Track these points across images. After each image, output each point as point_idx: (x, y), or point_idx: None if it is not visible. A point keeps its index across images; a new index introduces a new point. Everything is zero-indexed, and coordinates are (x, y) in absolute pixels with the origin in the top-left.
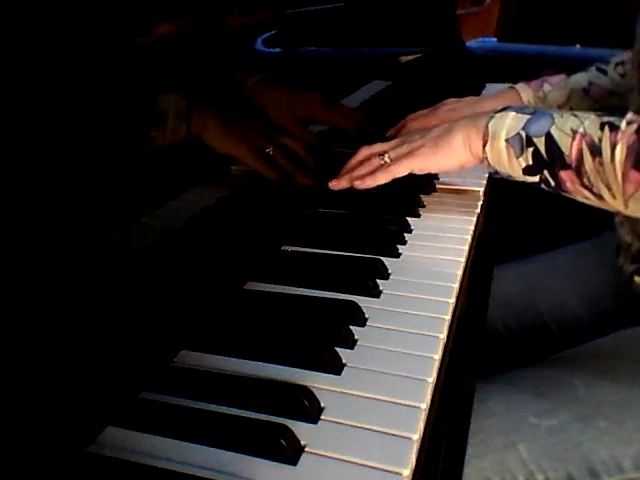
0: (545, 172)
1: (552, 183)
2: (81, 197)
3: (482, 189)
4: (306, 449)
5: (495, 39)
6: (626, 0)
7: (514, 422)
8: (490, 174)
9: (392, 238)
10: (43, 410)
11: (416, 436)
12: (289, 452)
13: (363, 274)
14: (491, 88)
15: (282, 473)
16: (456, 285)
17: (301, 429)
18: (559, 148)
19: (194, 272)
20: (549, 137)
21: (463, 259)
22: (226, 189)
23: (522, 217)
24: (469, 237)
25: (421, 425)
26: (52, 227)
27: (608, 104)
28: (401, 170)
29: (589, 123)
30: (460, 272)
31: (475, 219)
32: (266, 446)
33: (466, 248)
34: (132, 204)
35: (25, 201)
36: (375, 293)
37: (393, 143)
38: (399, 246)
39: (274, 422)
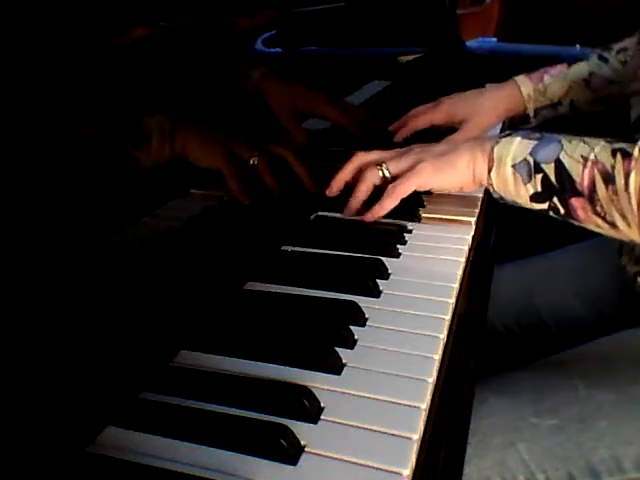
0: (554, 199)
1: (562, 211)
2: (81, 197)
3: (482, 189)
4: (306, 449)
5: (495, 39)
6: (626, 0)
7: (514, 422)
8: (495, 200)
9: (392, 238)
10: (43, 410)
11: (416, 436)
12: (289, 452)
13: (363, 274)
14: None
15: (282, 473)
16: (456, 285)
17: (301, 429)
18: (570, 175)
19: (194, 272)
20: (559, 163)
21: (463, 259)
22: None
23: (522, 217)
24: (469, 237)
25: (421, 425)
26: (52, 227)
27: (608, 93)
28: (406, 190)
29: (600, 150)
30: (460, 272)
31: (475, 219)
32: (266, 446)
33: (466, 248)
34: (132, 204)
35: (24, 201)
36: (375, 293)
37: (391, 154)
38: (399, 246)
39: (274, 422)
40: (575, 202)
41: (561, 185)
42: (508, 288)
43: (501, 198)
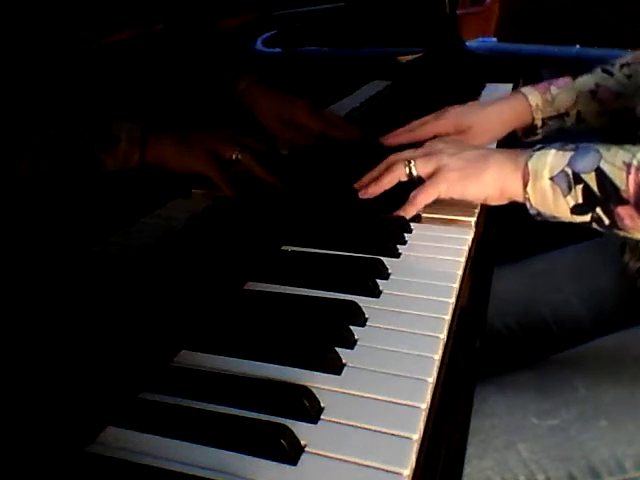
0: (598, 210)
1: (606, 221)
2: (81, 197)
3: None
4: (306, 449)
5: (495, 39)
6: (626, 0)
7: (515, 422)
8: (532, 216)
9: (392, 238)
10: (43, 410)
11: (416, 436)
12: (289, 452)
13: (363, 274)
14: (491, 88)
15: (282, 473)
16: (456, 285)
17: (301, 429)
18: (613, 183)
19: (194, 272)
20: (600, 172)
21: (463, 259)
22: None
23: (523, 216)
24: (469, 237)
25: (421, 425)
26: (52, 227)
27: (615, 106)
28: (428, 198)
29: None
30: (460, 272)
31: (475, 219)
32: (266, 446)
33: (466, 248)
34: (133, 204)
35: (22, 202)
36: (375, 293)
37: (421, 152)
38: (399, 246)
39: (274, 422)
40: (621, 211)
41: (604, 194)
42: (508, 288)
43: (538, 214)
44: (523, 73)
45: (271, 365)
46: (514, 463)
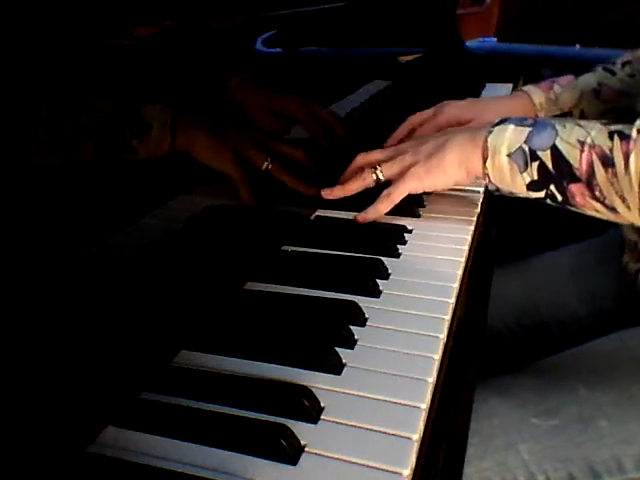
0: (552, 187)
1: (559, 198)
2: (81, 197)
3: (482, 189)
4: (306, 449)
5: (495, 39)
6: (626, 0)
7: (515, 422)
8: (490, 192)
9: (392, 238)
10: (43, 410)
11: (416, 436)
12: (289, 452)
13: (363, 274)
14: (491, 88)
15: (282, 473)
16: (456, 285)
17: (301, 429)
18: (567, 161)
19: (194, 272)
20: (555, 150)
21: (463, 259)
22: (229, 190)
23: (522, 216)
24: (469, 237)
25: (421, 425)
26: (52, 228)
27: (618, 105)
28: (398, 196)
29: (596, 133)
30: (460, 272)
31: (475, 219)
32: (266, 446)
33: (466, 248)
34: (132, 204)
35: (21, 202)
36: (375, 293)
37: (387, 155)
38: (399, 246)
39: (274, 422)
40: (573, 188)
41: (558, 172)
42: (508, 288)
43: (497, 190)
44: (523, 73)
45: (271, 365)
46: (514, 463)
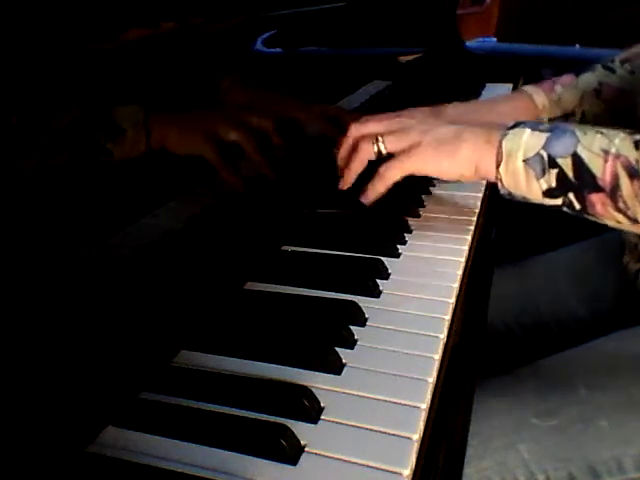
0: (570, 195)
1: (577, 206)
2: (81, 197)
3: (482, 188)
4: (306, 449)
5: (495, 39)
6: (626, 0)
7: (515, 422)
8: (502, 196)
9: (392, 238)
10: (43, 410)
11: (416, 436)
12: (289, 452)
13: (363, 274)
14: (491, 88)
15: (282, 473)
16: (456, 285)
17: (301, 429)
18: (589, 170)
19: (194, 272)
20: (576, 158)
21: (463, 259)
22: (228, 190)
23: (522, 217)
24: (469, 237)
25: (421, 425)
26: (52, 228)
27: (618, 105)
28: (400, 173)
29: (620, 142)
30: (460, 272)
31: (475, 219)
32: (266, 446)
33: (466, 248)
34: (132, 204)
35: (20, 202)
36: (375, 293)
37: (389, 126)
38: (399, 246)
39: (274, 422)
40: (594, 198)
41: (580, 180)
42: (508, 288)
43: (509, 194)
44: (523, 73)
45: (271, 365)
46: (514, 463)
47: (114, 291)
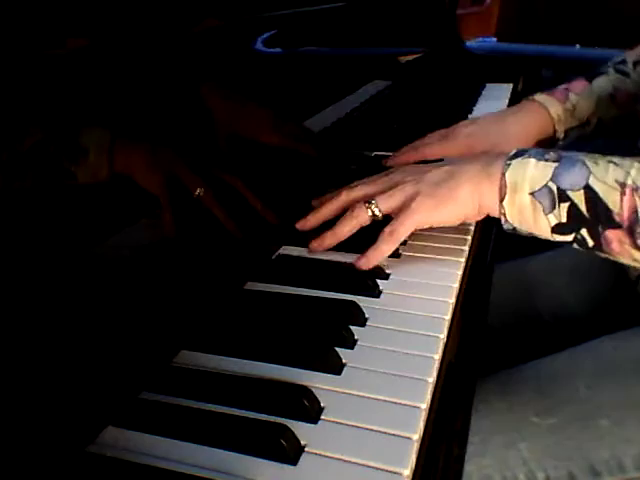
0: (583, 231)
1: (590, 243)
2: (81, 197)
3: None
4: (306, 449)
5: (495, 39)
6: (627, 1)
7: (515, 421)
8: (505, 231)
9: None
10: (43, 410)
11: (416, 436)
12: (289, 452)
13: (363, 274)
14: (491, 88)
15: (282, 473)
16: (456, 285)
17: (301, 429)
18: (605, 204)
19: (194, 272)
20: (589, 191)
21: (463, 259)
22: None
23: None
24: (469, 237)
25: (421, 425)
26: (52, 227)
27: (634, 109)
28: (405, 233)
29: (637, 173)
30: (460, 272)
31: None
32: (266, 446)
33: (466, 248)
34: (132, 204)
35: (21, 202)
36: (375, 293)
37: (379, 187)
38: (399, 246)
39: (274, 422)
40: (610, 234)
41: (594, 216)
42: (508, 287)
43: (513, 229)
44: (523, 73)
45: (271, 365)
46: (514, 462)
47: (114, 291)
